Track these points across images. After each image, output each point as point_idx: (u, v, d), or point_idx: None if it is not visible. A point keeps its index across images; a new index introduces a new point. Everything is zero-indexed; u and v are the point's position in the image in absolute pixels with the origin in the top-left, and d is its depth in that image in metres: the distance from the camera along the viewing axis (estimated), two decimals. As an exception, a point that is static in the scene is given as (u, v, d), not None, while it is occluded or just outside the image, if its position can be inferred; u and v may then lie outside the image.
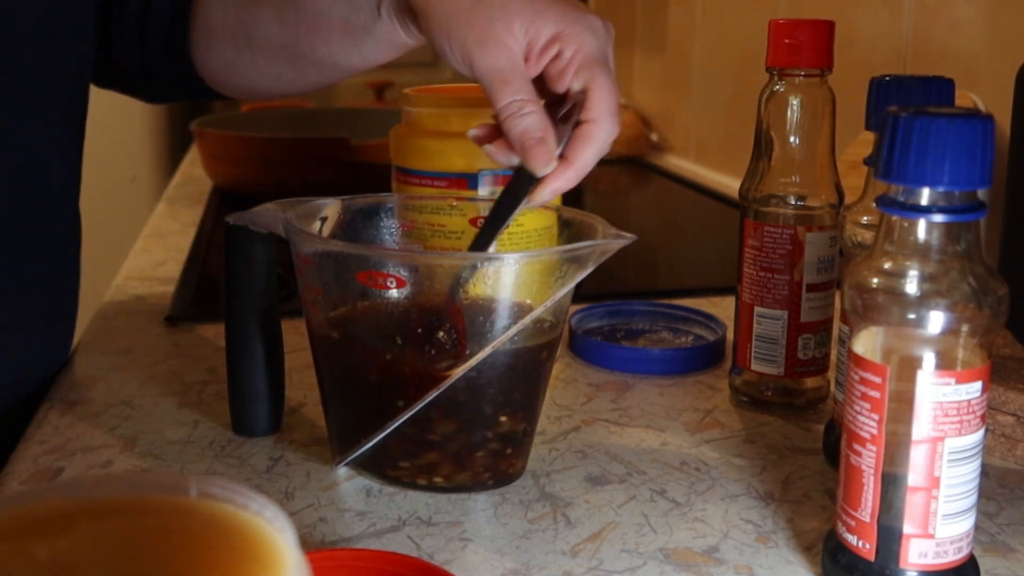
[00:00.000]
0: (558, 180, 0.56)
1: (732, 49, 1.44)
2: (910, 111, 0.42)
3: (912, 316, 0.43)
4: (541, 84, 0.57)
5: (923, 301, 0.43)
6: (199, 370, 0.72)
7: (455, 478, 0.56)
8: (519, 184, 0.56)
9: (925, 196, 0.42)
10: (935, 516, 0.44)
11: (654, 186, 1.52)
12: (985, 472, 0.57)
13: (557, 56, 0.56)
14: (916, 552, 0.44)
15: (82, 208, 0.76)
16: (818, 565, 0.49)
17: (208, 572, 0.27)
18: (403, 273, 0.53)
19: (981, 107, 0.89)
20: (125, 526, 0.29)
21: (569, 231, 0.60)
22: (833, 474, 0.58)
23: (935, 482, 0.43)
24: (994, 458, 0.60)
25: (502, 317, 0.53)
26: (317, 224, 0.59)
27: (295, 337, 0.68)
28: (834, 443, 0.59)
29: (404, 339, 0.55)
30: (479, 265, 0.54)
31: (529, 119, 0.55)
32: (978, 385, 0.43)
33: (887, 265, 0.44)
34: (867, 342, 0.45)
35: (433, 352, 0.54)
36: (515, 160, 0.56)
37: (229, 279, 0.60)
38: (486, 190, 0.70)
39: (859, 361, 0.44)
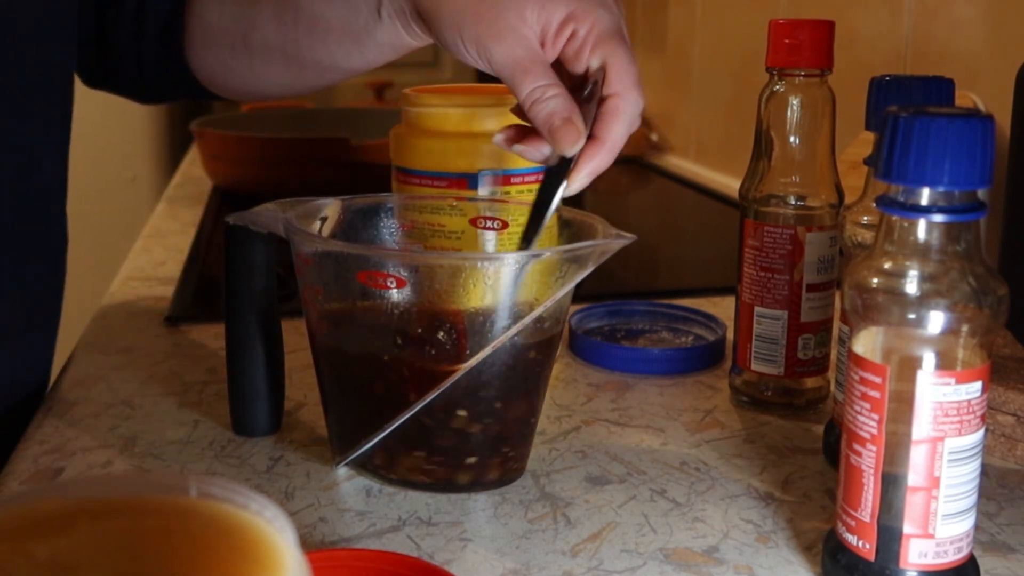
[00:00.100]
0: (592, 160, 0.55)
1: (732, 49, 1.44)
2: (910, 111, 0.42)
3: (912, 316, 0.43)
4: (562, 68, 0.57)
5: (923, 301, 0.43)
6: (199, 370, 0.72)
7: (455, 478, 0.56)
8: (555, 174, 0.55)
9: (925, 196, 0.42)
10: (935, 516, 0.44)
11: (654, 186, 1.52)
12: (985, 472, 0.57)
13: (572, 36, 0.56)
14: (916, 552, 0.44)
15: (82, 208, 0.76)
16: (818, 565, 0.49)
17: (208, 572, 0.27)
18: (403, 273, 0.53)
19: (981, 107, 0.89)
20: (125, 526, 0.29)
21: (569, 231, 0.60)
22: (833, 474, 0.58)
23: (935, 482, 0.43)
24: (994, 458, 0.60)
25: (502, 317, 0.53)
26: (317, 224, 0.59)
27: (295, 337, 0.68)
28: (834, 443, 0.59)
29: (404, 339, 0.55)
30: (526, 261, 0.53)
31: (553, 102, 0.54)
32: (978, 385, 0.43)
33: (887, 265, 0.44)
34: (867, 342, 0.45)
35: (433, 352, 0.54)
36: (547, 151, 0.56)
37: (229, 279, 0.60)
38: (486, 190, 0.70)
39: (859, 361, 0.44)
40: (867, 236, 0.57)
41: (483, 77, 0.63)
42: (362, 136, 1.20)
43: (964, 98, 0.91)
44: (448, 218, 0.65)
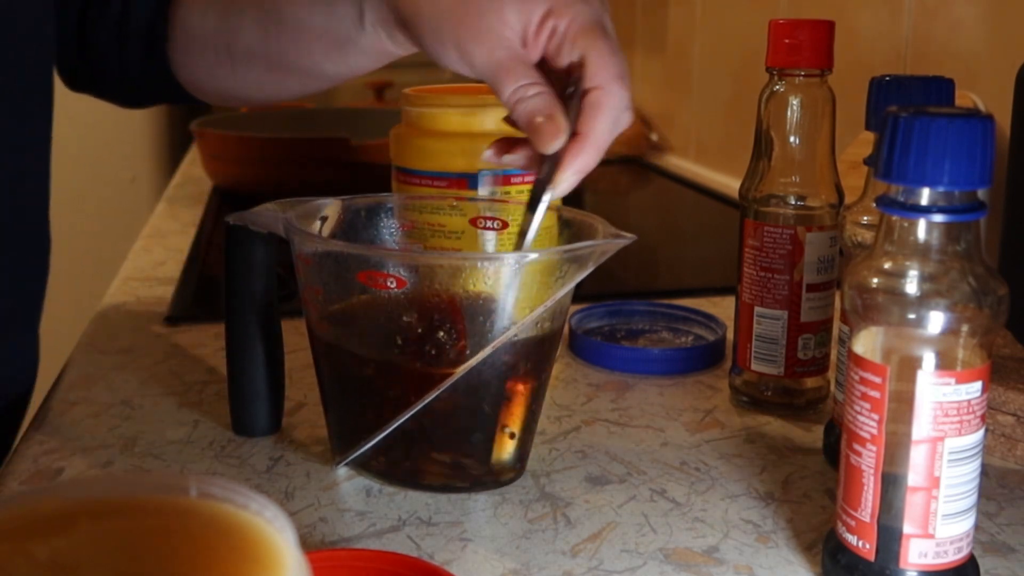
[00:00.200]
0: (576, 157, 0.54)
1: (732, 49, 1.44)
2: (910, 111, 0.42)
3: (912, 316, 0.43)
4: (549, 68, 0.56)
5: (923, 301, 0.43)
6: (199, 370, 0.72)
7: (455, 478, 0.56)
8: (543, 176, 0.55)
9: (925, 196, 0.42)
10: (935, 516, 0.44)
11: (654, 186, 1.52)
12: (985, 472, 0.57)
13: (552, 33, 0.55)
14: (916, 552, 0.44)
15: (82, 209, 0.76)
16: (818, 565, 0.49)
17: (208, 572, 0.27)
18: (403, 273, 0.53)
19: (981, 107, 0.89)
20: (125, 526, 0.29)
21: (569, 231, 0.60)
22: (833, 474, 0.58)
23: (935, 482, 0.43)
24: (994, 458, 0.60)
25: (502, 317, 0.53)
26: (317, 224, 0.59)
27: (295, 337, 0.68)
28: (834, 443, 0.59)
29: (404, 339, 0.55)
30: (518, 263, 0.53)
31: (534, 100, 0.53)
32: (978, 385, 0.43)
33: (887, 265, 0.44)
34: (867, 342, 0.45)
35: (433, 352, 0.54)
36: (535, 156, 0.55)
37: (229, 279, 0.60)
38: (486, 190, 0.70)
39: (859, 361, 0.44)
40: (867, 236, 0.57)
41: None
42: (362, 136, 1.20)
43: (964, 98, 0.91)
44: (448, 218, 0.65)
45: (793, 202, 0.64)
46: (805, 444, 0.62)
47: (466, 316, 0.54)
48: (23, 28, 0.66)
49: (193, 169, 1.49)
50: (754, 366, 0.66)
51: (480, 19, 0.54)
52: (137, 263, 1.00)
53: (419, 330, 0.54)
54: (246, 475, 0.58)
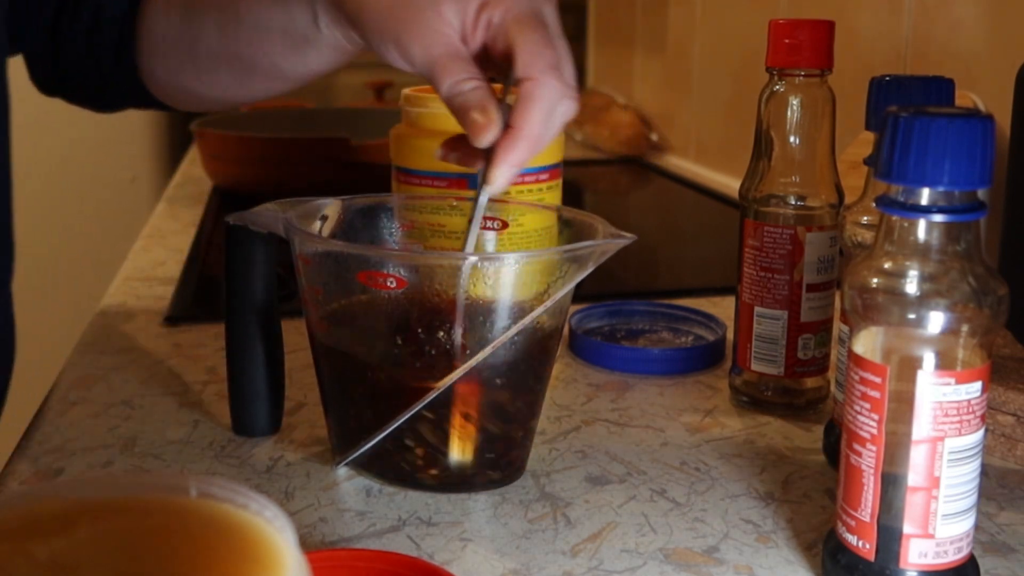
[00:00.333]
0: (508, 152, 0.53)
1: (732, 49, 1.44)
2: (910, 111, 0.42)
3: (912, 316, 0.43)
4: (491, 62, 0.55)
5: (923, 301, 0.43)
6: (199, 370, 0.72)
7: (455, 478, 0.56)
8: (480, 173, 0.54)
9: (925, 196, 0.42)
10: (935, 516, 0.44)
11: (654, 186, 1.52)
12: (985, 472, 0.57)
13: (488, 25, 0.54)
14: (916, 552, 0.44)
15: (82, 209, 0.76)
16: (818, 565, 0.49)
17: (208, 572, 0.27)
18: (403, 273, 0.53)
19: (981, 107, 0.89)
20: (125, 526, 0.29)
21: (569, 231, 0.60)
22: (833, 474, 0.58)
23: (935, 482, 0.43)
24: (994, 458, 0.60)
25: (502, 317, 0.53)
26: (317, 224, 0.59)
27: (295, 337, 0.68)
28: (834, 443, 0.59)
29: (404, 339, 0.55)
30: (477, 264, 0.53)
31: (469, 94, 0.53)
32: (978, 385, 0.43)
33: (887, 265, 0.44)
34: (867, 342, 0.45)
35: (433, 352, 0.54)
36: (477, 152, 0.55)
37: (229, 279, 0.60)
38: (486, 190, 0.70)
39: (859, 361, 0.44)
40: (867, 236, 0.57)
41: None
42: (362, 136, 1.20)
43: (964, 98, 0.91)
44: (448, 218, 0.65)
45: (793, 202, 0.64)
46: (805, 444, 0.62)
47: (466, 316, 0.54)
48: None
49: (193, 169, 1.49)
50: (754, 366, 0.66)
51: (418, 15, 0.54)
52: (137, 263, 1.00)
53: (419, 330, 0.54)
54: (246, 475, 0.58)
